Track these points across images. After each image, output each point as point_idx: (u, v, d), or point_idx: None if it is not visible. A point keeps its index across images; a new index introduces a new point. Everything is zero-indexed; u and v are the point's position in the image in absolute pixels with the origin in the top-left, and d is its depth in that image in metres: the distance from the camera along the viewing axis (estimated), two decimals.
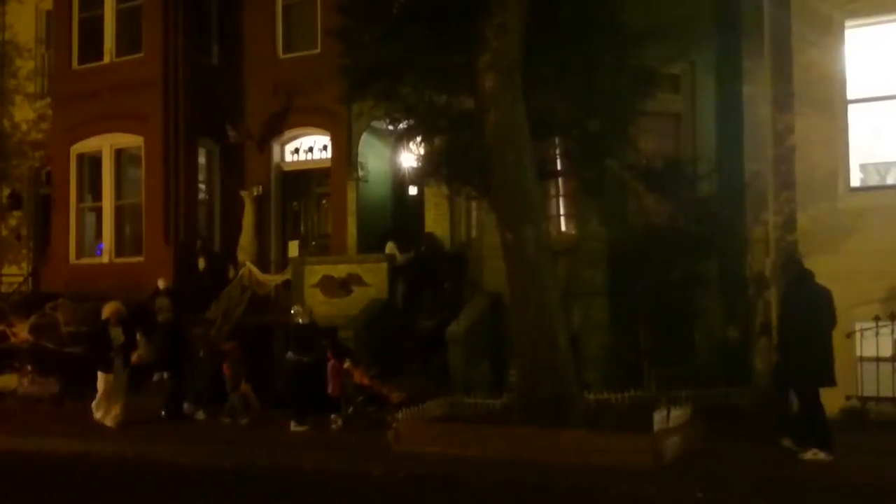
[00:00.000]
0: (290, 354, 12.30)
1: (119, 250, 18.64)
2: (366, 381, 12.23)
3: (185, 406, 13.34)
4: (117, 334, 12.69)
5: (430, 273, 15.23)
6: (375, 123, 16.29)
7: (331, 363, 12.26)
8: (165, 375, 13.66)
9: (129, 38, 18.47)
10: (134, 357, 12.94)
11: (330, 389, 12.17)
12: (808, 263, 10.53)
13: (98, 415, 12.69)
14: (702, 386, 11.18)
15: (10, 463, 10.62)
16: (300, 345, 12.25)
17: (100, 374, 12.68)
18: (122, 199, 18.79)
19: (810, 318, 8.92)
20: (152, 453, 10.75)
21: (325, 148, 18.36)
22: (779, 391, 9.86)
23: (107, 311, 12.95)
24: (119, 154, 18.83)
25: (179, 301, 15.41)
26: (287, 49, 18.64)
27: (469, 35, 10.09)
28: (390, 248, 16.01)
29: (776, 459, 8.94)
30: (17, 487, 9.21)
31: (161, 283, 16.17)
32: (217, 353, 13.58)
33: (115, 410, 12.59)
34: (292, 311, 12.84)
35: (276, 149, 18.85)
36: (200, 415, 13.16)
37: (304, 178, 18.89)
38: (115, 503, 8.58)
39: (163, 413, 13.11)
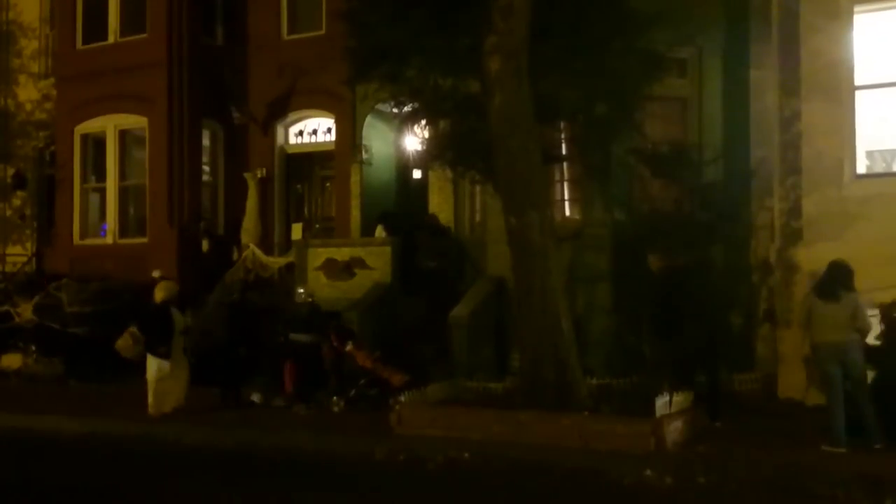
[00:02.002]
0: (297, 336, 12.21)
1: (123, 231, 18.64)
2: (368, 365, 12.24)
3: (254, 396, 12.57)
4: (178, 317, 12.03)
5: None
6: (380, 106, 16.22)
7: (325, 346, 12.27)
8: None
9: (133, 19, 18.38)
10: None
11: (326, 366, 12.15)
12: (814, 250, 10.52)
13: (153, 401, 11.74)
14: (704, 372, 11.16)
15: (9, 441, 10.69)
16: (306, 326, 12.16)
17: (155, 360, 11.74)
18: (126, 180, 18.76)
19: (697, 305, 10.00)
20: (156, 433, 10.79)
21: (329, 131, 18.31)
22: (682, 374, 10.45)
23: (163, 291, 12.19)
24: (123, 135, 18.77)
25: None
26: (292, 30, 18.54)
27: (475, 17, 10.03)
28: (379, 231, 16.03)
29: (778, 444, 8.95)
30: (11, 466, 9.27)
31: (156, 274, 15.12)
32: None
33: (177, 397, 11.85)
34: (299, 292, 12.78)
35: (280, 131, 18.79)
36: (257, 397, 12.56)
37: (308, 161, 18.85)
38: (106, 481, 8.61)
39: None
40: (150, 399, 11.79)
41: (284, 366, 12.42)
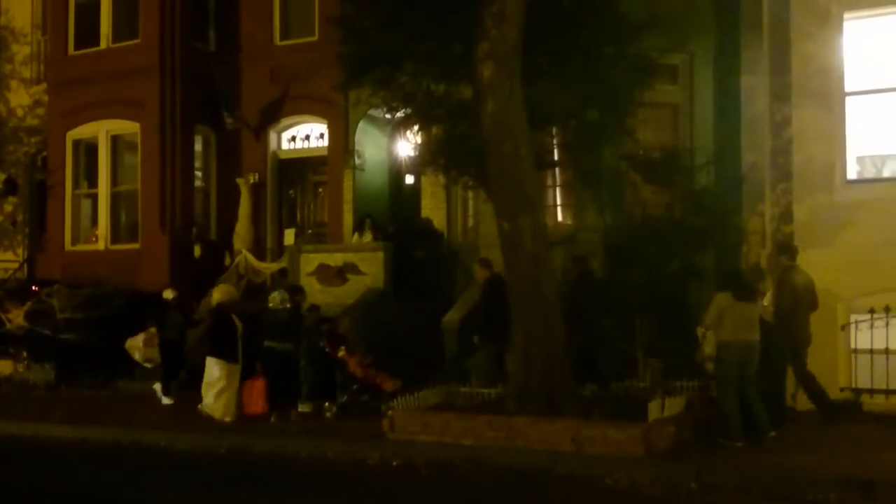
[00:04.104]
0: (274, 343, 11.87)
1: (115, 237, 18.62)
2: (360, 371, 12.20)
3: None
4: (237, 321, 11.71)
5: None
6: (373, 112, 16.24)
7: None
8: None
9: (125, 24, 18.38)
10: None
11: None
12: (805, 256, 10.54)
13: (211, 407, 11.47)
14: (696, 376, 11.18)
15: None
16: (280, 333, 11.88)
17: (219, 364, 11.47)
18: (118, 185, 18.74)
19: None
20: (147, 439, 10.75)
21: (321, 136, 18.32)
22: None
23: (220, 294, 11.92)
24: (115, 140, 18.75)
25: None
26: (284, 36, 18.55)
27: (468, 23, 10.06)
28: (367, 226, 16.05)
29: (770, 449, 8.96)
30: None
31: (168, 294, 13.99)
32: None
33: (233, 403, 11.56)
34: (276, 297, 12.45)
35: (272, 136, 18.79)
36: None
37: (301, 166, 18.85)
38: (95, 489, 8.57)
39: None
40: (220, 403, 11.42)
41: (254, 383, 11.77)
